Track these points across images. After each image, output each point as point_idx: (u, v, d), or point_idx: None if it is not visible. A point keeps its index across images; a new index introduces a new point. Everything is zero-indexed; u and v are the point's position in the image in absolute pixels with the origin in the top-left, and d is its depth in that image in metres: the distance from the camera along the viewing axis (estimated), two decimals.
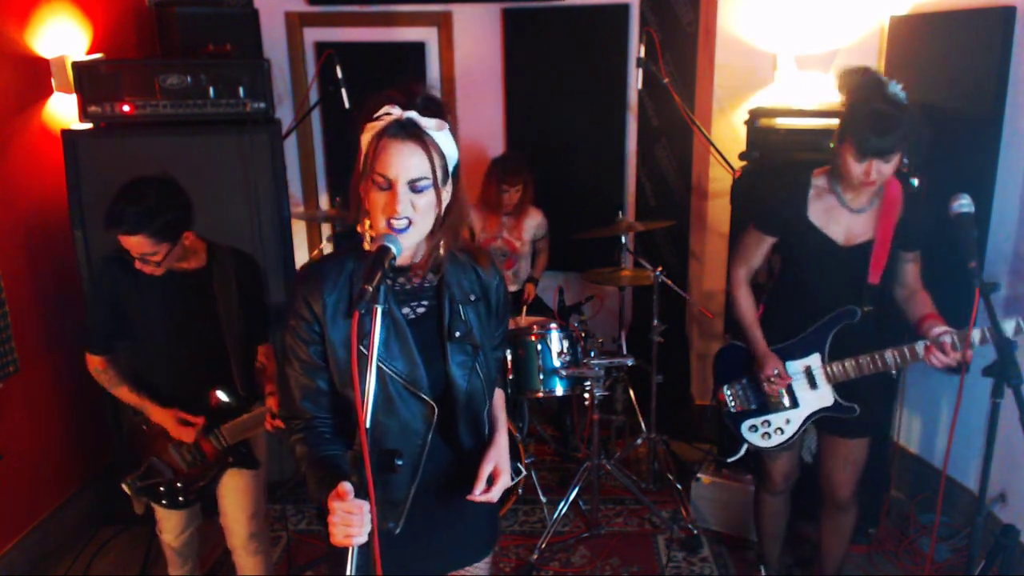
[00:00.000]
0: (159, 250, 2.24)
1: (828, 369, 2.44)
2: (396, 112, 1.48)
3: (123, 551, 3.31)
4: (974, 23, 3.04)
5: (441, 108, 1.53)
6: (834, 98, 3.64)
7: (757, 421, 2.58)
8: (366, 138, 1.51)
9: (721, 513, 3.36)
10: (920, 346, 2.27)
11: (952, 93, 3.15)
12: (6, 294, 3.03)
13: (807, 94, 3.64)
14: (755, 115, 3.36)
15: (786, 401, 2.52)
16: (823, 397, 2.48)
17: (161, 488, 2.51)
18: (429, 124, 1.49)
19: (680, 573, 3.16)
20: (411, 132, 1.47)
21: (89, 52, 3.55)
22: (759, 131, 3.33)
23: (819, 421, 2.53)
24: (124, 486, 2.52)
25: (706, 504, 3.37)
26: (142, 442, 2.52)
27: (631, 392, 4.12)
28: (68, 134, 3.15)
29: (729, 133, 3.82)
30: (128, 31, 3.93)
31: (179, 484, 2.51)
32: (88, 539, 3.39)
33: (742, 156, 3.45)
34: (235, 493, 2.56)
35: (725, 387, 2.64)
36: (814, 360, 2.46)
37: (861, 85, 2.31)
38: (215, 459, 2.49)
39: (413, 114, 1.48)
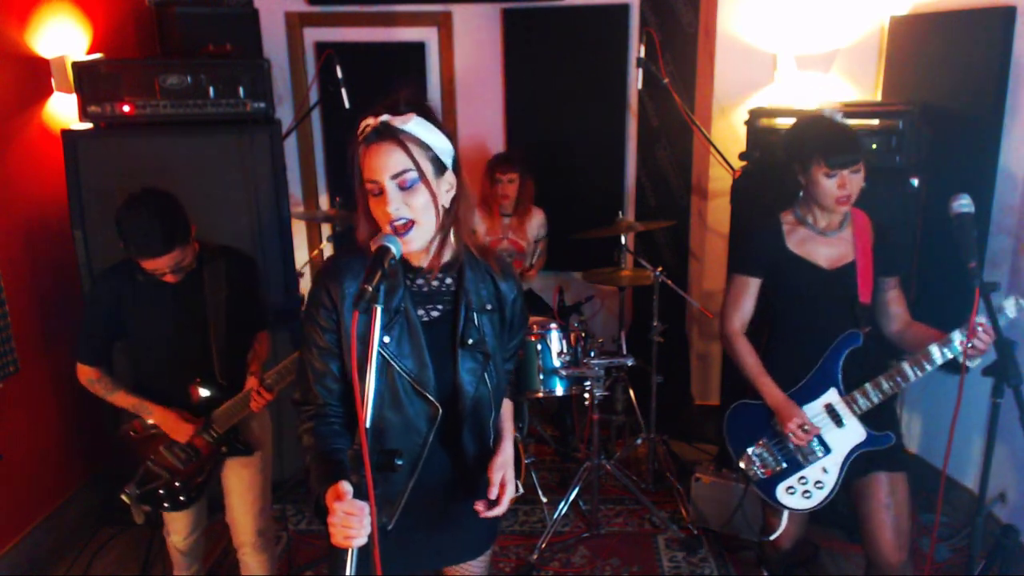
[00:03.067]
0: (187, 255, 2.32)
1: (850, 401, 2.29)
2: (372, 121, 1.53)
3: (123, 551, 3.31)
4: (974, 23, 3.04)
5: (420, 106, 1.56)
6: (834, 99, 3.66)
7: (792, 481, 2.38)
8: (354, 155, 1.55)
9: (721, 513, 3.35)
10: (935, 349, 2.15)
11: (952, 93, 3.15)
12: (6, 294, 3.03)
13: (807, 94, 3.64)
14: (755, 115, 3.35)
15: (818, 449, 2.34)
16: (854, 433, 2.31)
17: (161, 492, 2.51)
18: (398, 120, 1.52)
19: (680, 573, 3.16)
20: (385, 133, 1.51)
21: (89, 52, 3.55)
22: (759, 131, 3.33)
23: (851, 466, 2.33)
24: (123, 496, 2.52)
25: (706, 504, 3.37)
26: (133, 448, 2.53)
27: (631, 392, 4.12)
28: (68, 134, 3.15)
29: (729, 133, 3.82)
30: (128, 31, 3.93)
31: (178, 484, 2.51)
32: (88, 539, 3.39)
33: (742, 156, 3.45)
34: (241, 489, 2.57)
35: (749, 451, 2.42)
36: (832, 396, 2.31)
37: (799, 124, 2.45)
38: (209, 452, 2.50)
39: (385, 117, 1.52)
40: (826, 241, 2.36)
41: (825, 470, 2.35)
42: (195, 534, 2.65)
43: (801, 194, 2.38)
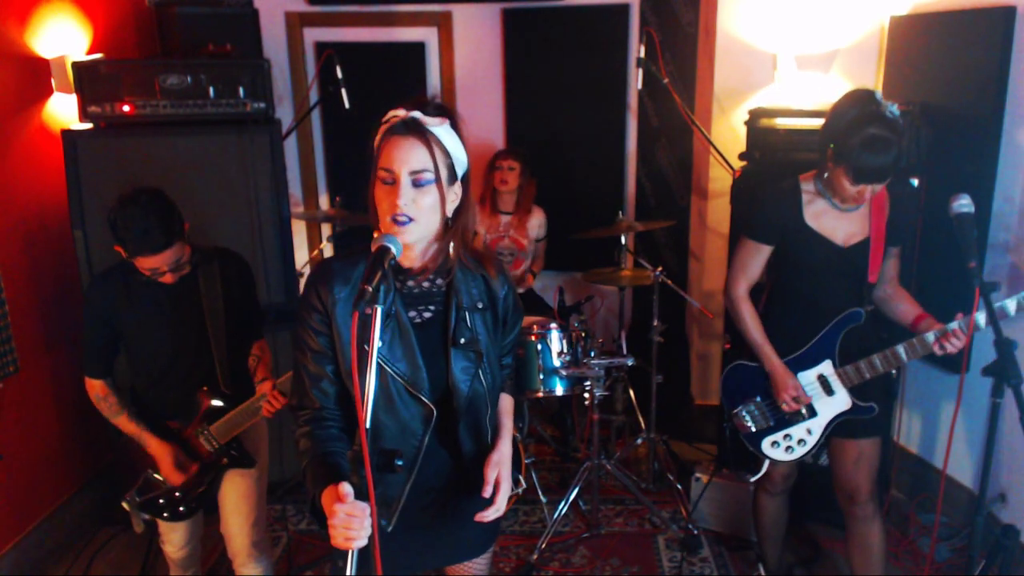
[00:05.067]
0: (184, 252, 2.29)
1: (843, 373, 2.40)
2: (402, 113, 1.54)
3: (123, 552, 3.31)
4: (974, 23, 3.04)
5: (449, 113, 1.59)
6: (834, 99, 3.64)
7: (778, 436, 2.53)
8: (376, 141, 1.56)
9: (721, 513, 3.36)
10: (931, 336, 2.26)
11: (952, 93, 3.15)
12: (6, 294, 3.03)
13: (807, 94, 3.64)
14: (755, 115, 3.36)
15: (805, 412, 2.48)
16: (840, 401, 2.44)
17: (161, 501, 2.48)
18: (432, 121, 1.55)
19: (680, 573, 3.16)
20: (414, 129, 1.54)
21: (89, 52, 3.55)
22: (759, 131, 3.33)
23: (832, 428, 2.49)
24: (124, 504, 2.51)
25: (706, 504, 3.37)
26: (138, 454, 2.50)
27: (631, 392, 4.12)
28: (68, 134, 3.15)
29: (729, 133, 3.82)
30: (128, 31, 3.93)
31: (178, 494, 2.48)
32: (88, 539, 3.39)
33: (742, 156, 3.45)
34: (235, 500, 2.53)
35: (740, 408, 2.57)
36: (826, 367, 2.43)
37: (857, 106, 2.24)
38: (210, 463, 2.47)
39: (416, 113, 1.54)
40: (844, 216, 2.37)
41: (809, 431, 2.50)
42: (190, 546, 2.62)
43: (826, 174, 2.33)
